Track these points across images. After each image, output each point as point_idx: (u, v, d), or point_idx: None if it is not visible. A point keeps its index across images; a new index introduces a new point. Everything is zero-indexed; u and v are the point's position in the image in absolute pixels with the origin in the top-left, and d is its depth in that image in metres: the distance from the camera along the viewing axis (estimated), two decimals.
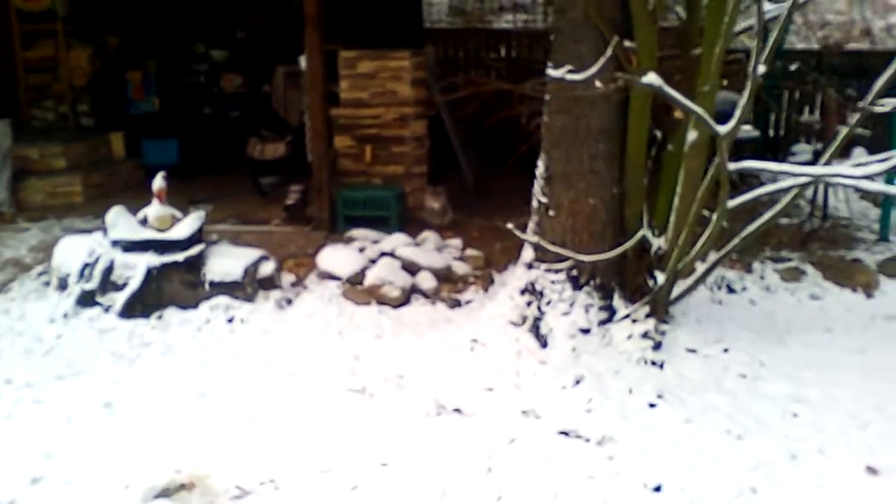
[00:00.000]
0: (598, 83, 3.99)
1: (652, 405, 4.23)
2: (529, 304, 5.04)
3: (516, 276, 5.22)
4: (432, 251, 6.44)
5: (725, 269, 6.23)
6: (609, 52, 4.42)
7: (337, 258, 6.22)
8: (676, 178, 4.93)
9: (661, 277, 4.87)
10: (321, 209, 7.40)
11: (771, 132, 9.69)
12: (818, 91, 9.02)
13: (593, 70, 4.09)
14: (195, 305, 5.74)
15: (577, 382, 4.43)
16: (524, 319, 5.03)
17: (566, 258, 4.88)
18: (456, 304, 6.02)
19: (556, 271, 4.92)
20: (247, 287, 5.82)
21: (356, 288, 6.01)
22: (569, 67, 4.04)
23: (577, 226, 4.92)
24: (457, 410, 4.27)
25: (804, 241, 7.07)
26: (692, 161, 4.65)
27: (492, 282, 6.41)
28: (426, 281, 6.11)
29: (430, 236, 6.71)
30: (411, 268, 6.20)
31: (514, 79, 11.01)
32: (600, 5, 4.62)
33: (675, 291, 4.98)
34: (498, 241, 7.28)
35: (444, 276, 6.27)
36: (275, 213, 7.88)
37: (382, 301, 5.90)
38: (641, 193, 4.94)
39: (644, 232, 4.89)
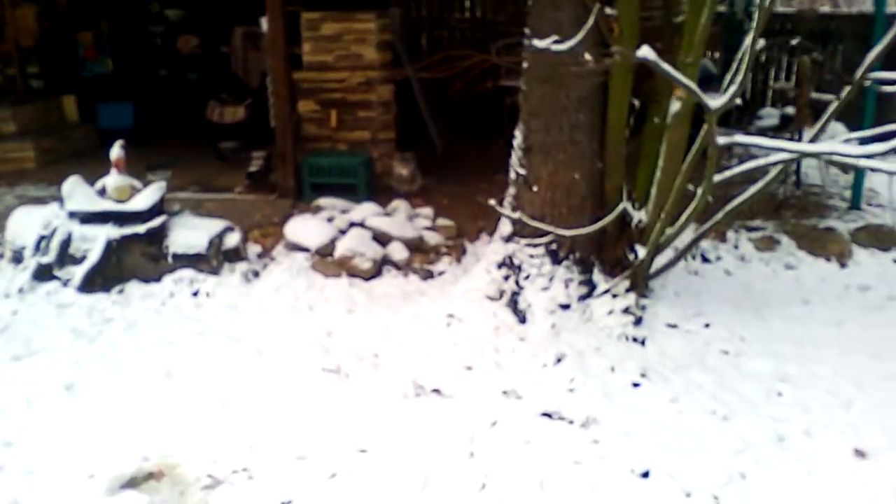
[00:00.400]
0: (587, 56, 3.82)
1: (636, 384, 4.14)
2: (507, 278, 4.91)
3: (493, 249, 5.08)
4: (403, 221, 6.27)
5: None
6: (591, 20, 4.27)
7: (305, 229, 6.02)
8: (657, 149, 4.82)
9: (641, 251, 4.76)
10: (286, 176, 7.17)
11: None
12: (794, 57, 8.95)
13: (575, 40, 3.92)
14: (158, 279, 5.52)
15: (559, 360, 4.33)
16: (501, 294, 4.90)
17: (545, 232, 4.74)
18: (428, 275, 5.87)
19: (535, 245, 4.78)
20: (212, 259, 5.61)
21: (326, 260, 5.83)
22: (554, 38, 3.86)
23: (556, 199, 4.78)
24: (435, 391, 4.14)
25: (777, 208, 7.02)
26: (675, 132, 4.53)
27: (464, 252, 6.27)
28: (398, 252, 5.95)
29: (400, 205, 6.53)
30: (382, 238, 6.02)
31: (479, 40, 10.97)
32: None
33: (656, 265, 4.87)
34: (469, 209, 7.14)
35: (416, 247, 6.11)
36: (237, 179, 7.63)
37: (353, 273, 5.73)
38: (622, 165, 4.81)
39: (625, 205, 4.76)
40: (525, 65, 4.76)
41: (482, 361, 4.40)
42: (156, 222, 5.55)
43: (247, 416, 3.96)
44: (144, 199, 5.61)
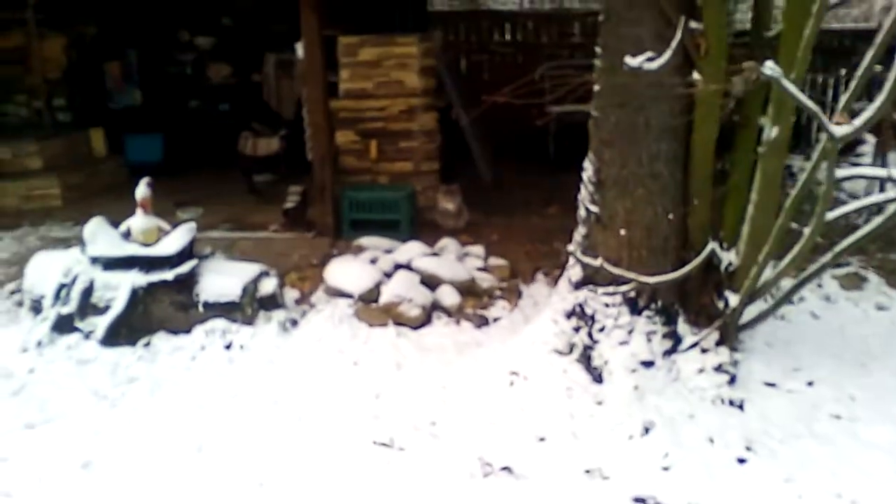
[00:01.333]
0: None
1: (741, 460, 3.54)
2: (577, 329, 4.34)
3: (559, 295, 4.51)
4: (453, 261, 5.73)
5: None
6: (679, 34, 3.72)
7: (347, 272, 5.49)
8: (746, 181, 4.25)
9: (733, 299, 4.17)
10: (324, 213, 6.68)
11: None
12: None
13: (664, 58, 3.38)
14: (188, 330, 5.01)
15: (647, 430, 3.74)
16: (571, 348, 4.33)
17: (623, 278, 4.17)
18: (483, 322, 5.32)
19: (612, 294, 4.20)
20: (246, 308, 5.09)
21: (370, 307, 5.30)
22: (649, 55, 3.32)
23: (634, 239, 4.21)
24: (506, 469, 3.56)
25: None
26: (771, 162, 3.95)
27: (520, 296, 5.72)
28: (448, 296, 5.40)
29: (449, 244, 5.99)
30: (431, 281, 5.48)
31: (521, 64, 10.47)
32: None
33: (748, 314, 4.28)
34: (521, 246, 6.60)
35: (468, 290, 5.57)
36: (271, 216, 7.15)
37: (400, 321, 5.19)
38: (708, 200, 4.24)
39: (712, 245, 4.19)
40: (596, 88, 4.22)
41: (556, 430, 3.82)
42: (185, 268, 5.05)
43: (288, 500, 3.42)
44: (173, 242, 5.12)
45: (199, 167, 8.94)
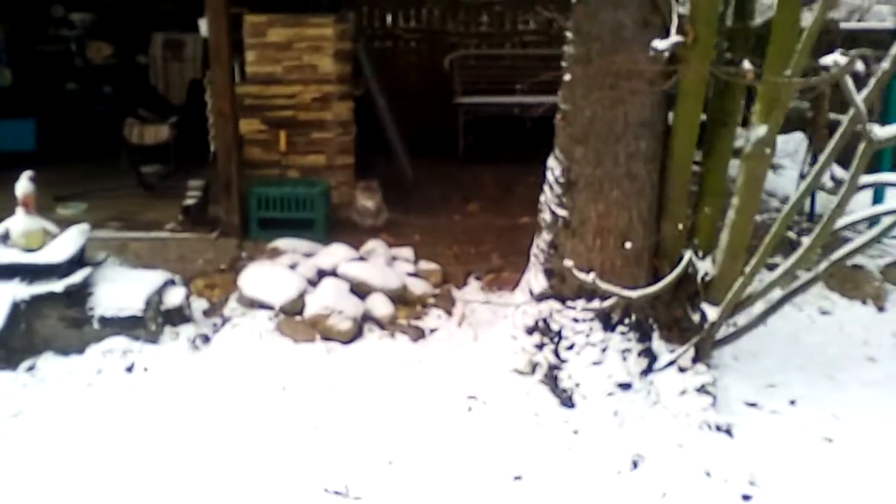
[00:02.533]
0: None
1: (746, 496, 3.16)
2: (541, 346, 3.88)
3: (519, 308, 4.04)
4: (383, 266, 5.18)
5: None
6: (675, 19, 3.30)
7: (265, 280, 4.86)
8: (722, 184, 3.91)
9: (711, 311, 3.81)
10: (229, 211, 5.98)
11: None
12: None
13: (670, 41, 2.95)
14: (81, 351, 4.30)
15: (635, 464, 3.32)
16: (534, 367, 3.87)
17: (596, 291, 3.73)
18: (419, 335, 4.80)
19: (585, 310, 3.76)
20: (150, 323, 4.40)
21: (294, 320, 4.69)
22: (676, 39, 2.87)
23: (607, 247, 3.79)
24: None
25: (793, 246, 6.20)
26: (757, 164, 3.62)
27: (453, 303, 5.23)
28: (380, 306, 4.86)
29: (376, 247, 5.42)
30: (360, 290, 4.92)
31: (428, 51, 9.97)
32: None
33: (725, 329, 3.94)
34: (448, 248, 6.11)
35: (399, 299, 5.04)
36: (166, 213, 6.38)
37: (329, 336, 4.61)
38: (685, 204, 3.86)
39: (689, 254, 3.81)
40: (567, 78, 3.76)
41: (532, 466, 3.34)
42: (77, 277, 4.32)
43: None
44: (62, 247, 4.37)
45: (78, 156, 8.01)
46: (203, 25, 5.83)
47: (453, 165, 8.63)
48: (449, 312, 5.12)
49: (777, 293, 4.01)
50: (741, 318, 4.15)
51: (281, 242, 5.43)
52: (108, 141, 7.59)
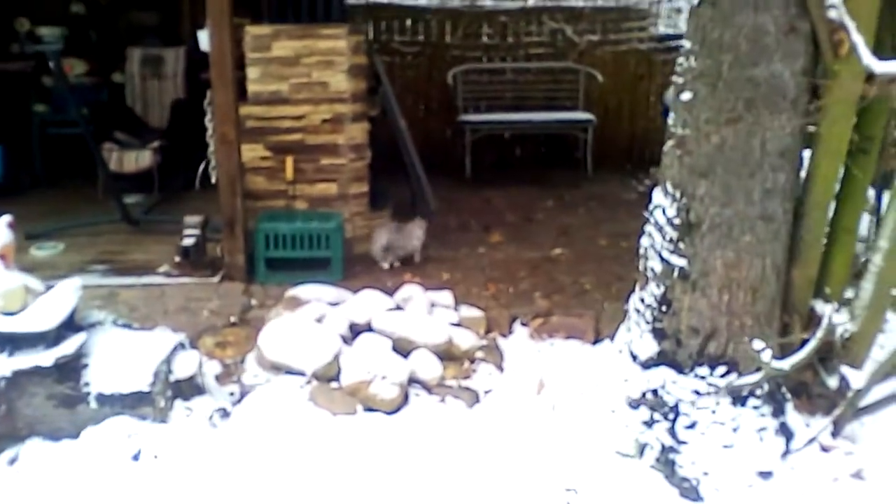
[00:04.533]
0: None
1: None
2: (651, 424, 3.17)
3: (619, 373, 3.33)
4: (424, 317, 4.45)
5: None
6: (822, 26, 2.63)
7: (291, 339, 4.09)
8: (857, 220, 3.24)
9: (855, 375, 3.13)
10: (234, 250, 5.23)
11: None
12: None
13: None
14: (75, 435, 3.49)
15: None
16: (643, 449, 3.16)
17: (718, 356, 3.03)
18: (474, 398, 4.07)
19: (713, 385, 3.06)
20: (158, 399, 3.61)
21: (329, 387, 3.93)
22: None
23: (735, 304, 3.10)
24: None
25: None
26: None
27: (501, 356, 4.52)
28: (427, 366, 4.12)
29: (414, 293, 4.68)
30: (402, 347, 4.19)
31: (427, 66, 9.27)
32: None
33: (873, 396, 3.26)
34: (482, 286, 5.41)
35: (445, 354, 4.31)
36: (157, 251, 5.64)
37: (372, 406, 3.86)
38: (820, 247, 3.19)
39: (830, 310, 3.13)
40: (685, 97, 3.06)
41: None
42: (69, 347, 3.52)
43: None
44: (49, 308, 3.57)
45: (49, 186, 7.20)
46: (203, 38, 5.06)
47: (462, 189, 8.01)
48: (500, 367, 4.41)
49: None
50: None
51: (301, 290, 4.67)
52: (83, 169, 6.84)
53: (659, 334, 3.22)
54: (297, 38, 5.53)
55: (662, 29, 9.47)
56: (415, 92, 9.05)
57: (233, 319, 4.64)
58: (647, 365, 3.24)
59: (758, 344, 2.93)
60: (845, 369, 3.20)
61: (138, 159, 7.01)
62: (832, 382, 3.23)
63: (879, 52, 2.94)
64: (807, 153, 3.13)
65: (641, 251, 3.34)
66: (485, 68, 9.06)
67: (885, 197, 3.46)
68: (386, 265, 5.57)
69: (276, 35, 5.53)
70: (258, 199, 5.64)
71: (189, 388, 3.79)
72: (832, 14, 2.81)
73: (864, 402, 3.27)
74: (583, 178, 8.45)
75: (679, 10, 9.88)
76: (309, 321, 4.26)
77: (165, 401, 3.68)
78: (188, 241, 5.20)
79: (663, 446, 3.13)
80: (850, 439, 3.25)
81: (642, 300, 3.31)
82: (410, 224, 5.64)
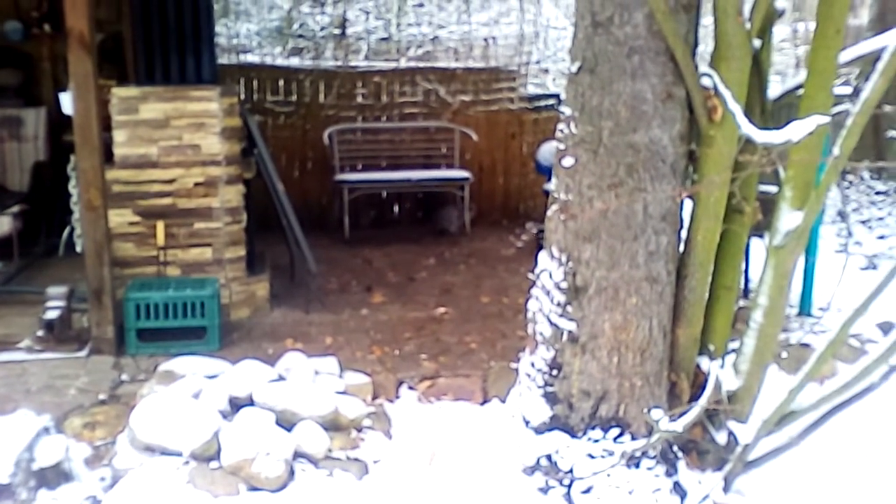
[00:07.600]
0: None
1: None
2: (546, 490, 3.12)
3: (512, 439, 3.28)
4: (308, 387, 4.29)
5: None
6: (696, 91, 2.71)
7: (166, 418, 3.84)
8: (736, 277, 3.33)
9: (742, 430, 3.19)
10: (102, 322, 4.95)
11: None
12: None
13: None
14: None
15: None
16: None
17: (610, 419, 3.03)
18: (363, 470, 3.94)
19: (607, 451, 3.04)
20: (19, 490, 3.33)
21: (209, 467, 3.70)
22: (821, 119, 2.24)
23: (625, 365, 3.11)
24: None
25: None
26: (787, 257, 3.07)
27: (389, 422, 4.41)
28: (313, 439, 3.95)
29: (295, 361, 4.52)
30: (285, 420, 4.01)
31: (301, 126, 9.16)
32: (675, 14, 2.87)
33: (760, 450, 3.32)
34: (366, 350, 5.30)
35: (331, 424, 4.15)
36: (17, 325, 5.27)
37: (255, 485, 3.67)
38: (703, 305, 3.25)
39: (716, 367, 3.18)
40: (568, 163, 3.08)
41: None
42: None
43: None
44: None
45: None
46: (66, 101, 4.81)
47: (342, 249, 7.93)
48: (388, 434, 4.29)
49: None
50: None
51: (175, 363, 4.43)
52: None
53: (551, 398, 3.19)
54: (167, 100, 5.36)
55: (532, 89, 9.71)
56: (290, 152, 8.93)
57: (102, 397, 4.36)
58: (539, 430, 3.21)
59: (656, 413, 2.93)
60: (732, 424, 3.25)
61: None
62: (721, 438, 3.28)
63: (749, 116, 3.06)
64: (686, 213, 3.21)
65: (529, 315, 3.33)
66: (360, 127, 9.04)
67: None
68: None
69: (145, 97, 5.33)
70: (127, 266, 5.39)
71: (55, 476, 3.52)
72: (706, 81, 2.91)
73: (751, 456, 3.33)
74: (462, 235, 8.49)
75: (546, 71, 10.21)
76: (185, 397, 4.03)
77: (28, 492, 3.39)
78: (52, 314, 4.89)
79: None
80: (741, 493, 3.29)
81: (532, 364, 3.28)
82: None
